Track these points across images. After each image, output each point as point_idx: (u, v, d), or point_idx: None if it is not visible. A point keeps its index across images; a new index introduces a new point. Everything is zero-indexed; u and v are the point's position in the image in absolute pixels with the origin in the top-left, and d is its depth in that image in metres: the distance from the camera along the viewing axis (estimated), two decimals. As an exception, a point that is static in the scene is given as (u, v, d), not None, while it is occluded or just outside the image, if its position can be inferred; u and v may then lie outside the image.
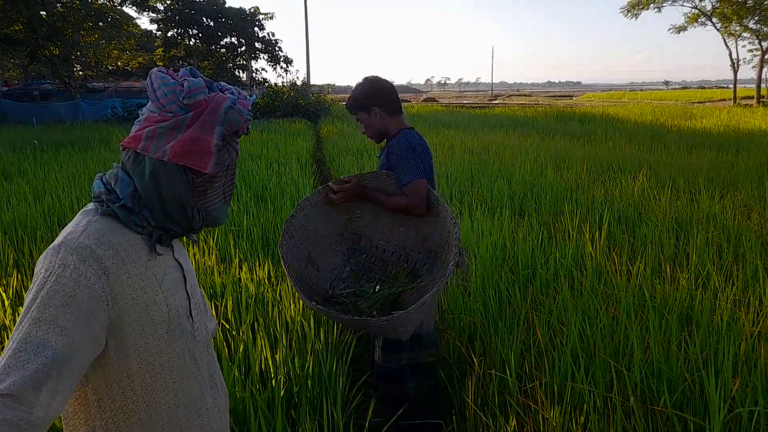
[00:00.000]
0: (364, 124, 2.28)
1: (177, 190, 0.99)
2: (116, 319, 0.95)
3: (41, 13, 21.03)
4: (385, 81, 2.29)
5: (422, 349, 2.21)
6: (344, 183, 2.24)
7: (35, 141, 11.06)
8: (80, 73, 33.91)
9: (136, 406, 1.01)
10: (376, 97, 2.24)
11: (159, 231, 1.01)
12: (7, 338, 2.43)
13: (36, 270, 0.92)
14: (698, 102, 36.88)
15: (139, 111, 1.02)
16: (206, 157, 0.98)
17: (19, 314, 2.54)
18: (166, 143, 0.97)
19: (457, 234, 1.87)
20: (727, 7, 28.65)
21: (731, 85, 33.63)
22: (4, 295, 2.78)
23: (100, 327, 0.92)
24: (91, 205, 1.01)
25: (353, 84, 2.41)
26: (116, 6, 24.17)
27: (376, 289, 2.18)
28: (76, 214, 1.00)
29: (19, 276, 3.23)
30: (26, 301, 0.89)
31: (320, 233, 2.33)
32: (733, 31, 30.31)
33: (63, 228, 0.98)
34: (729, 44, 30.74)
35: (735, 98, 31.71)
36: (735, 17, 28.79)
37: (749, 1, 27.54)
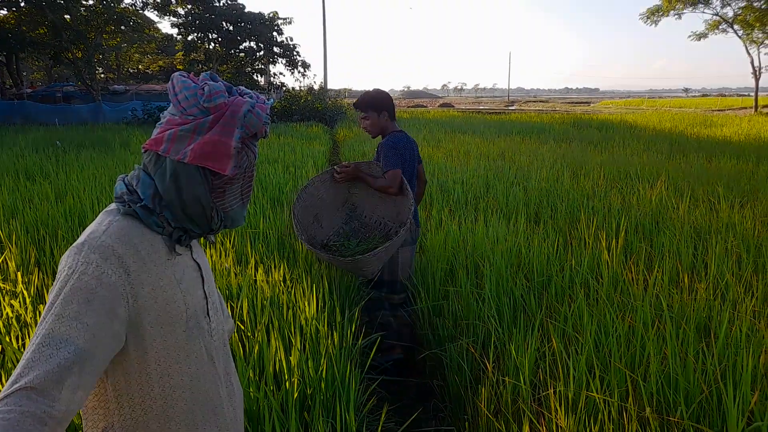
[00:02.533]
0: (371, 121, 3.04)
1: (197, 192, 1.01)
2: (136, 317, 0.97)
3: (65, 17, 21.48)
4: (384, 92, 3.12)
5: (392, 292, 3.13)
6: (345, 167, 3.11)
7: (57, 142, 11.28)
8: (102, 75, 34.53)
9: (153, 402, 1.03)
10: (386, 103, 3.05)
11: (178, 231, 1.04)
12: (29, 335, 2.48)
13: (59, 268, 0.94)
14: (718, 110, 36.35)
15: (161, 114, 1.05)
16: (225, 160, 1.00)
17: (40, 312, 2.59)
18: (186, 146, 0.99)
19: (410, 213, 2.73)
20: (750, 14, 28.22)
21: (752, 93, 33.05)
22: (26, 292, 2.83)
23: (120, 324, 0.94)
24: (113, 206, 1.04)
25: (370, 89, 3.15)
26: (138, 10, 24.57)
27: (357, 244, 3.06)
28: (96, 214, 1.03)
29: (41, 274, 3.29)
30: (50, 298, 0.91)
31: (326, 201, 3.25)
32: (755, 39, 29.82)
33: (84, 227, 1.01)
34: (751, 51, 30.28)
35: (756, 106, 31.17)
36: (758, 24, 28.35)
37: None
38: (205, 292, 1.12)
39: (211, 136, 0.99)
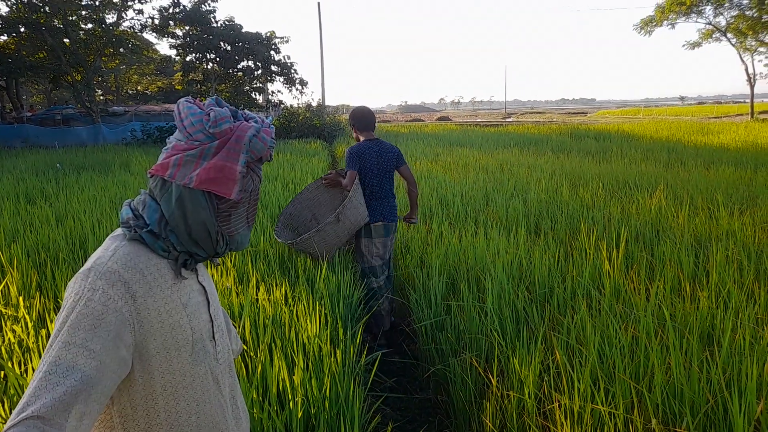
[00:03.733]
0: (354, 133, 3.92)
1: (202, 216, 1.02)
2: (142, 342, 0.97)
3: (64, 41, 21.69)
4: (360, 108, 3.93)
5: (373, 275, 3.78)
6: (329, 175, 3.98)
7: (58, 164, 11.32)
8: (101, 97, 34.78)
9: (159, 427, 1.03)
10: (354, 118, 3.86)
11: (184, 255, 1.05)
12: (31, 360, 2.47)
13: (66, 294, 0.95)
14: (715, 117, 36.53)
15: (167, 140, 1.06)
16: (231, 184, 1.02)
17: (42, 336, 2.58)
18: (192, 170, 1.00)
19: (343, 206, 3.46)
20: (742, 23, 28.52)
21: (748, 100, 33.26)
22: (27, 317, 2.83)
23: (126, 350, 0.94)
24: (119, 231, 1.05)
25: (367, 105, 3.66)
26: (137, 33, 24.81)
27: None
28: (97, 237, 1.04)
29: (42, 299, 3.28)
30: (56, 325, 0.91)
31: (323, 203, 4.23)
32: (748, 46, 30.09)
33: (86, 251, 1.02)
34: (745, 59, 30.53)
35: (752, 113, 31.36)
36: (750, 32, 28.63)
37: (765, 16, 27.39)
38: (210, 315, 1.12)
39: (217, 161, 1.01)
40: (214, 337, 1.12)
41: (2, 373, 2.38)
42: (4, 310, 3.05)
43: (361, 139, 3.79)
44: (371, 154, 3.72)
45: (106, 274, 0.94)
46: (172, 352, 1.02)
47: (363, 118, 3.82)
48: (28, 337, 2.69)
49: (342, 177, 3.82)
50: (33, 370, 2.37)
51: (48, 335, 2.66)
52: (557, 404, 2.05)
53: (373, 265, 3.76)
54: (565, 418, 1.99)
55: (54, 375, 0.85)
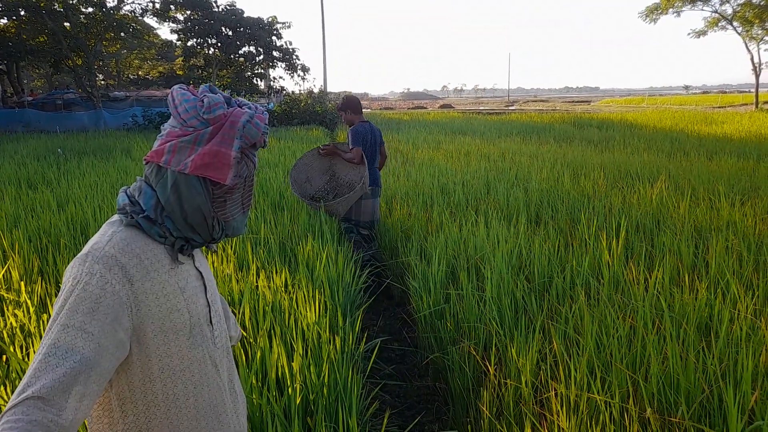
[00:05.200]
0: (345, 116, 4.75)
1: (198, 201, 1.03)
2: (140, 326, 0.99)
3: (65, 24, 21.56)
4: (354, 96, 4.86)
5: (358, 226, 4.71)
6: (327, 146, 4.87)
7: (59, 149, 11.31)
8: (102, 82, 34.65)
9: (157, 410, 1.04)
10: (351, 104, 4.74)
11: (180, 241, 1.05)
12: (33, 345, 2.49)
13: (64, 279, 0.96)
14: (719, 107, 36.31)
15: (162, 126, 1.06)
16: (225, 169, 1.02)
17: (44, 321, 2.60)
18: (187, 156, 1.01)
19: (363, 177, 4.46)
20: (749, 11, 28.22)
21: (753, 90, 33.03)
22: (29, 302, 2.85)
23: (124, 332, 0.96)
24: (116, 217, 1.06)
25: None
26: (138, 17, 24.64)
27: (334, 197, 4.81)
28: (98, 222, 1.05)
29: (44, 283, 3.30)
30: (55, 308, 0.93)
31: (315, 168, 5.09)
32: (754, 35, 29.78)
33: (87, 236, 1.03)
34: (751, 48, 30.24)
35: (757, 103, 31.13)
36: (757, 21, 28.33)
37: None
38: (207, 300, 1.13)
39: (211, 146, 1.01)
40: (211, 322, 1.13)
41: (4, 357, 2.40)
42: (6, 295, 3.07)
43: (355, 120, 4.67)
44: (368, 133, 4.66)
45: (103, 258, 0.95)
46: (170, 335, 1.03)
47: (359, 104, 4.80)
48: (30, 322, 2.71)
49: (338, 149, 4.81)
50: (34, 353, 2.39)
51: (49, 320, 2.68)
52: (554, 393, 2.07)
53: (361, 219, 4.69)
54: (561, 406, 2.01)
55: (53, 357, 0.87)
